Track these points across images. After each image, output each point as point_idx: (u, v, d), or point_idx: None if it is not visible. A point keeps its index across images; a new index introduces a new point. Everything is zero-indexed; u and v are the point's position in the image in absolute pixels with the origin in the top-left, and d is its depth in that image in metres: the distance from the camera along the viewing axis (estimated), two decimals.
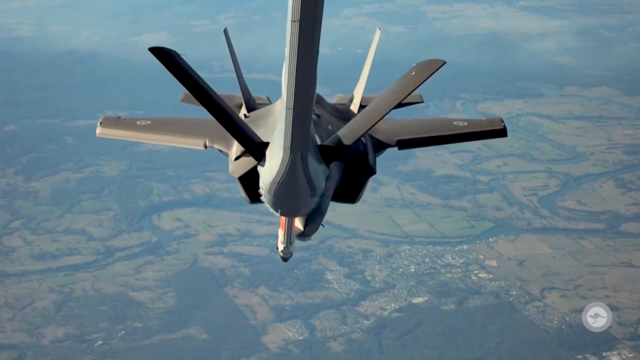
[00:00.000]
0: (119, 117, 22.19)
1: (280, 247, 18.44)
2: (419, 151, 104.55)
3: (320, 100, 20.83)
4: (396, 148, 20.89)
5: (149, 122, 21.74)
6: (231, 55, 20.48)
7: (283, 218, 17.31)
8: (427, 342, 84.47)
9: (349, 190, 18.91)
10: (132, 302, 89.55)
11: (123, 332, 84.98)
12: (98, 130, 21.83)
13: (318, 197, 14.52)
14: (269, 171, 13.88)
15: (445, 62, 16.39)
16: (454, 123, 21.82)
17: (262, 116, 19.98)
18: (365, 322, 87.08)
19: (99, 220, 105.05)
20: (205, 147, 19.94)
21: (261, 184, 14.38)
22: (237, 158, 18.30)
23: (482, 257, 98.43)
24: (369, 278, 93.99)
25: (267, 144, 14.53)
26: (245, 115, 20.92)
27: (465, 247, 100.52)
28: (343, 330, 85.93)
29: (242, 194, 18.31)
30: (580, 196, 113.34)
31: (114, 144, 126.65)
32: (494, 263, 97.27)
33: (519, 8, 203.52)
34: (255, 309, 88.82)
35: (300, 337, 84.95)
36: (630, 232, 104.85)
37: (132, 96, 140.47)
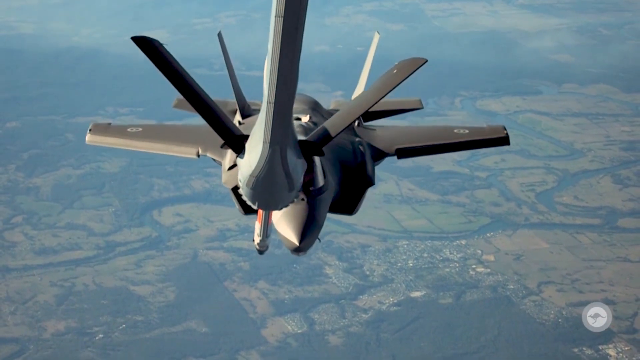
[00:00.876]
0: (109, 123, 21.65)
1: (257, 239, 18.55)
2: None
3: (317, 107, 20.86)
4: (395, 157, 20.56)
5: (140, 129, 21.21)
6: (225, 60, 20.10)
7: (260, 211, 17.31)
8: (425, 335, 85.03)
9: (347, 201, 18.90)
10: (133, 296, 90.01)
11: (124, 325, 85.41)
12: (87, 137, 21.40)
13: (296, 191, 14.29)
14: (248, 164, 13.70)
15: (427, 60, 16.38)
16: (455, 131, 21.42)
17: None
18: (363, 315, 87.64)
19: (99, 215, 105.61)
20: (198, 156, 19.61)
21: (239, 176, 14.26)
22: (230, 168, 18.14)
23: (479, 251, 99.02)
24: (368, 272, 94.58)
25: (247, 136, 14.23)
26: (239, 122, 20.45)
27: (463, 242, 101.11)
28: (342, 323, 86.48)
29: (235, 205, 18.02)
30: (577, 192, 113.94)
31: None
32: (492, 258, 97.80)
33: (517, 6, 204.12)
34: (255, 303, 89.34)
35: (300, 331, 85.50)
36: (627, 227, 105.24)
37: (133, 93, 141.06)
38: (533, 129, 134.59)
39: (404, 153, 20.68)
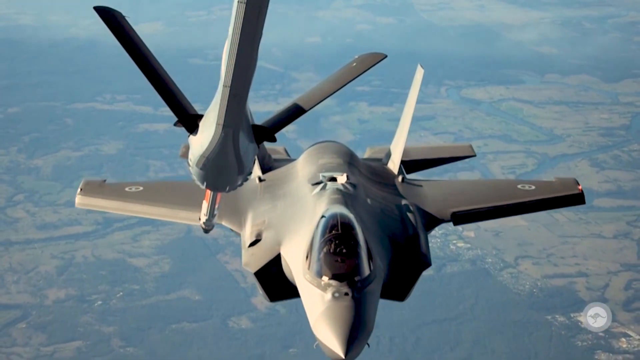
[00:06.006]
0: (104, 180, 19.24)
1: (202, 219, 17.71)
2: None
3: (353, 161, 18.48)
4: (451, 223, 17.68)
5: (141, 187, 19.07)
6: None
7: (208, 191, 16.54)
8: (406, 302, 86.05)
9: (397, 285, 16.39)
10: (130, 267, 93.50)
11: (121, 293, 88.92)
12: (78, 199, 18.85)
13: (245, 175, 13.82)
14: (200, 144, 13.32)
15: (386, 56, 16.40)
16: (519, 187, 19.23)
17: (281, 180, 18.31)
18: None
19: None
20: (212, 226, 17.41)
21: (190, 155, 13.75)
22: (252, 244, 17.16)
23: (460, 228, 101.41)
24: None
25: (201, 116, 13.87)
26: (260, 179, 18.91)
27: None
28: None
29: (259, 291, 16.59)
30: (555, 174, 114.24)
31: (112, 124, 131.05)
32: (472, 234, 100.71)
33: (503, 0, 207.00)
34: (246, 274, 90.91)
35: None
36: (602, 206, 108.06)
37: (130, 81, 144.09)
38: (515, 116, 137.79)
39: (462, 219, 17.98)
